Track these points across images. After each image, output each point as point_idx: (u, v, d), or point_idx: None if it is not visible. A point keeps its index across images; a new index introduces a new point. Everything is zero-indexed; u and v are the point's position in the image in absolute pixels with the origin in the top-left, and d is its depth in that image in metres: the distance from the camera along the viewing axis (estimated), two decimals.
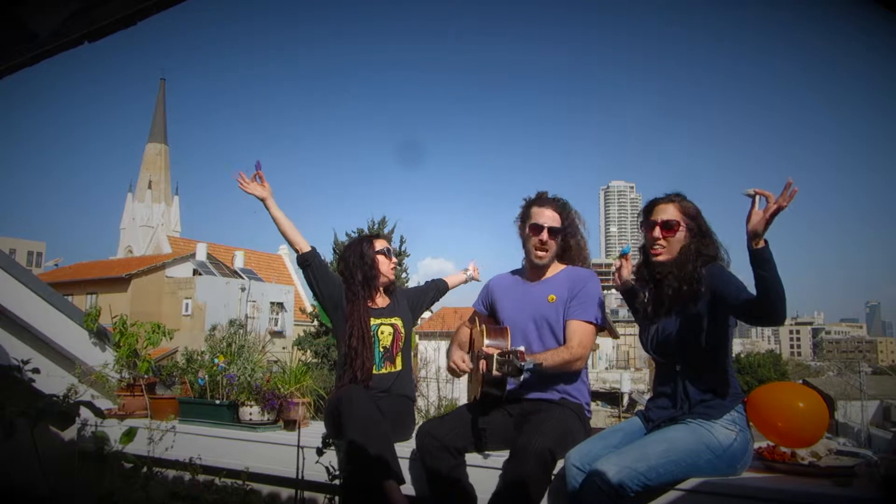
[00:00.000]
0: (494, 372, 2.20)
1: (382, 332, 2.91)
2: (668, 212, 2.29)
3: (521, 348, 2.20)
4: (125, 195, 55.53)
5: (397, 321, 2.97)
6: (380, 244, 3.02)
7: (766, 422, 2.30)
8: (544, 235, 2.59)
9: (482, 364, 2.31)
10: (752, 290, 1.97)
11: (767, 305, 1.93)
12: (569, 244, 2.67)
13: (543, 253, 2.62)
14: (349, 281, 2.97)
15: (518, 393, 2.49)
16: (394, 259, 3.06)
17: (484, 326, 2.47)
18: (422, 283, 3.40)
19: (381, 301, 3.05)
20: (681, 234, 2.26)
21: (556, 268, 2.70)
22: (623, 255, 2.55)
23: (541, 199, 2.66)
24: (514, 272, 2.82)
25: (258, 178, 2.93)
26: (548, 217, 2.61)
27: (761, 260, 1.90)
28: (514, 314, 2.64)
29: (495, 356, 2.20)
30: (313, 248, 3.00)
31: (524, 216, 2.68)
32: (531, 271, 2.71)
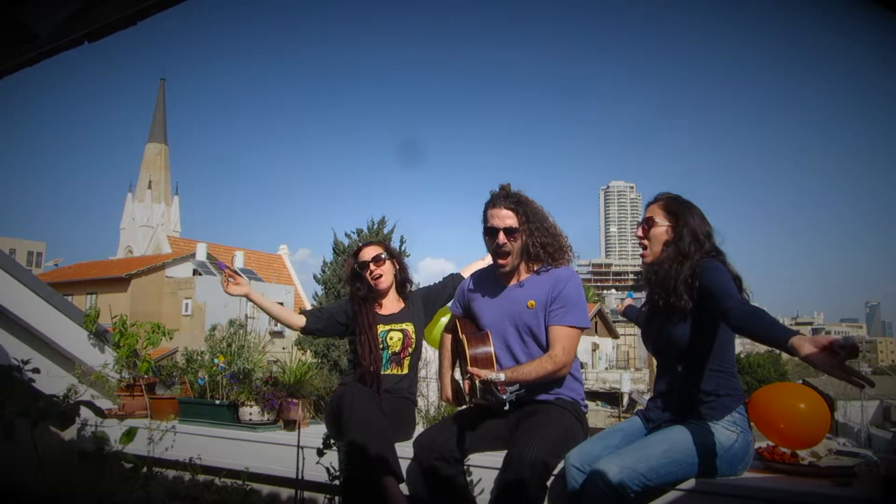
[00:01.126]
0: (477, 398, 2.19)
1: (392, 339, 2.89)
2: (651, 210, 2.32)
3: (502, 377, 2.12)
4: (125, 195, 55.50)
5: (408, 326, 2.93)
6: (364, 255, 2.98)
7: (768, 423, 2.30)
8: (501, 238, 2.44)
9: (466, 385, 2.28)
10: (739, 295, 2.01)
11: (745, 335, 1.93)
12: (539, 243, 2.46)
13: (504, 260, 2.47)
14: (354, 294, 2.99)
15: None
16: (383, 263, 2.96)
17: (465, 336, 2.42)
18: (422, 283, 3.38)
19: (394, 305, 3.01)
20: (658, 232, 2.25)
21: (533, 267, 2.55)
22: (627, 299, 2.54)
23: (494, 200, 2.49)
24: (486, 272, 2.68)
25: (232, 278, 2.93)
26: (502, 218, 2.44)
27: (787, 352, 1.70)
28: (494, 320, 2.52)
29: (477, 384, 2.16)
30: (306, 315, 2.97)
31: (483, 221, 2.52)
32: (503, 273, 2.55)
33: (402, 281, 3.06)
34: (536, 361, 2.37)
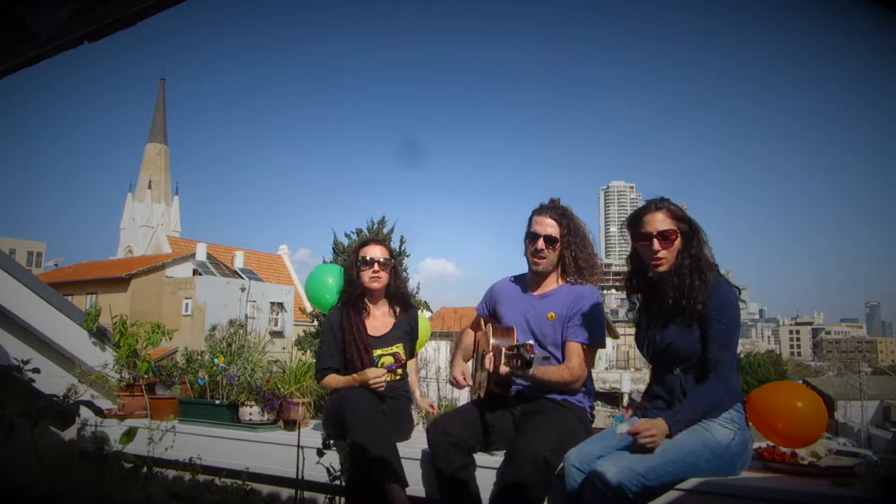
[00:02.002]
0: (502, 367, 2.20)
1: (383, 364, 2.85)
2: (662, 221, 2.22)
3: (530, 342, 2.18)
4: (125, 195, 55.47)
5: (398, 349, 2.92)
6: (371, 252, 2.94)
7: (765, 422, 2.30)
8: (539, 244, 2.56)
9: (489, 360, 2.31)
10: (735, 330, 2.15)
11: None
12: (572, 255, 2.58)
13: (540, 261, 2.58)
14: (347, 297, 2.96)
15: (521, 392, 2.49)
16: (387, 269, 2.95)
17: (490, 326, 2.46)
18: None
19: (385, 320, 2.98)
20: (677, 244, 2.23)
21: (559, 281, 2.64)
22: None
23: (541, 208, 2.63)
24: (516, 278, 2.77)
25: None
26: (545, 226, 2.57)
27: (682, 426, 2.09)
28: (515, 325, 2.57)
29: (504, 351, 2.20)
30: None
31: (527, 226, 2.65)
32: (532, 280, 2.67)
33: (394, 289, 3.03)
34: (556, 367, 2.45)
